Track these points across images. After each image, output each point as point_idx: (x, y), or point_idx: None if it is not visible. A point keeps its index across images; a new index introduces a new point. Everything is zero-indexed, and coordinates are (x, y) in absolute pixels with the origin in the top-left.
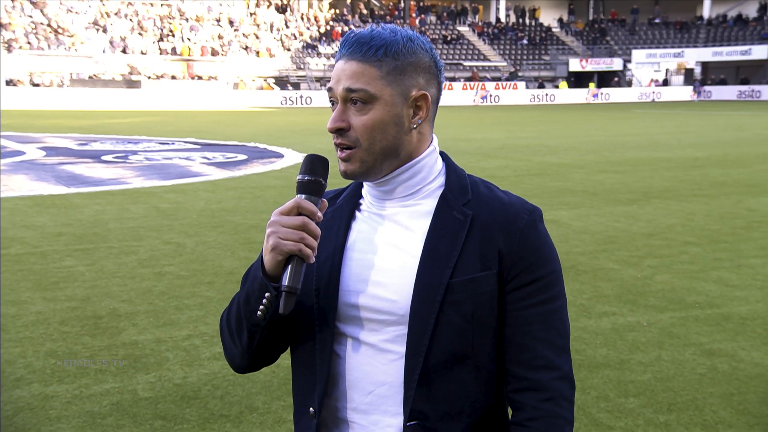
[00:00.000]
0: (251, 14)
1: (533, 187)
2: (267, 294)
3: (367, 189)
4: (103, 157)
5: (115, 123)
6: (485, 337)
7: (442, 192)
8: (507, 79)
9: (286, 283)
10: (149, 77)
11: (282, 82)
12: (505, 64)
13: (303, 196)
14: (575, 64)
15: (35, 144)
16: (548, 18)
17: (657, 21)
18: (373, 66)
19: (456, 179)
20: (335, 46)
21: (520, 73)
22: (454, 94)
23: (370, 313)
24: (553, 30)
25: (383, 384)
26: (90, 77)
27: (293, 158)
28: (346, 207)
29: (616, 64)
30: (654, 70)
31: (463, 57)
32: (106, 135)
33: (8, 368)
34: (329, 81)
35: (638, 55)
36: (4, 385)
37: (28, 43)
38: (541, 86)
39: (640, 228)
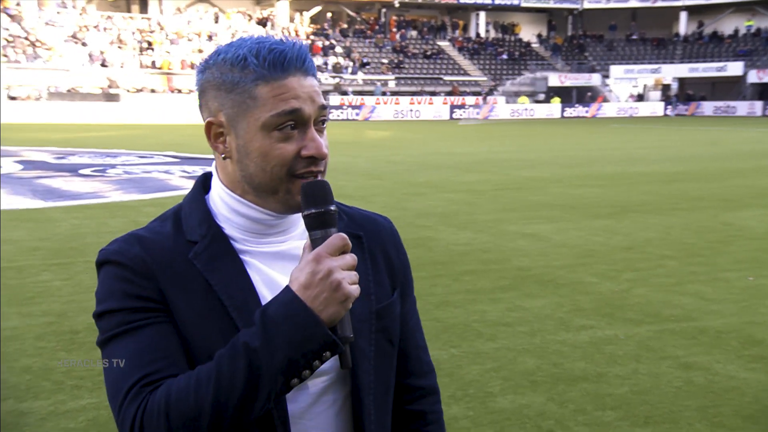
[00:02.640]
0: (231, 29)
1: (512, 201)
2: (327, 353)
3: (243, 224)
4: (81, 171)
5: (93, 136)
6: (395, 358)
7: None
8: (487, 94)
9: (347, 334)
10: (128, 90)
11: None
12: (485, 78)
13: (331, 230)
14: (554, 80)
15: (12, 158)
16: (528, 34)
17: (634, 37)
18: (316, 80)
19: None
20: (316, 60)
21: (499, 88)
22: (434, 108)
23: None
24: (533, 45)
25: None
26: (68, 90)
27: None
28: (220, 247)
29: (595, 79)
30: (632, 86)
31: (443, 72)
32: (84, 148)
33: None
34: (289, 101)
35: (616, 70)
36: None
37: (5, 56)
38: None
39: (618, 242)
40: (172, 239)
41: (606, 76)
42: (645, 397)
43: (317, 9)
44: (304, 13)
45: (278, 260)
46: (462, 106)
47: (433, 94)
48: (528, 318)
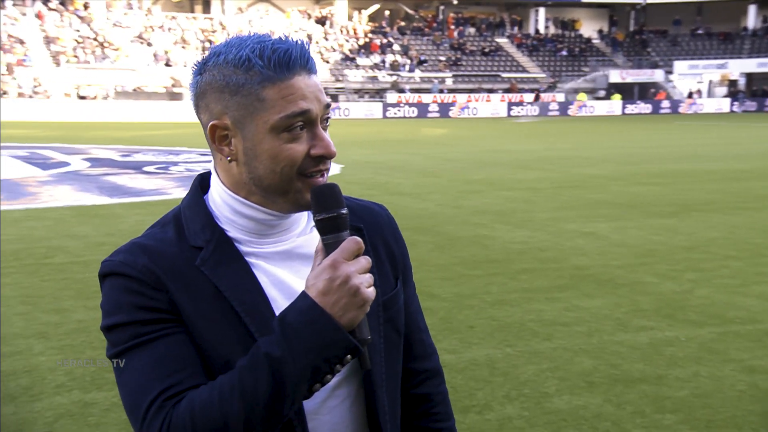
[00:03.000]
0: (291, 27)
1: (571, 199)
2: (347, 357)
3: (247, 226)
4: (145, 168)
5: (157, 134)
6: (402, 347)
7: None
8: (545, 91)
9: (365, 336)
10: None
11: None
12: (543, 75)
13: (345, 233)
14: (615, 76)
15: (80, 155)
16: (588, 29)
17: (700, 32)
18: (317, 77)
19: None
20: (374, 58)
21: (558, 85)
22: (492, 105)
23: None
24: (593, 41)
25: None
26: (134, 90)
27: (333, 169)
28: (225, 251)
29: (657, 75)
30: (697, 82)
31: (501, 69)
32: (149, 146)
33: (49, 375)
34: (297, 102)
35: (680, 66)
36: (45, 392)
37: (75, 56)
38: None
39: (680, 241)
40: (176, 245)
41: (669, 72)
42: (707, 401)
43: (376, 7)
44: (363, 11)
45: (284, 260)
46: (520, 103)
47: (490, 91)
48: (585, 318)
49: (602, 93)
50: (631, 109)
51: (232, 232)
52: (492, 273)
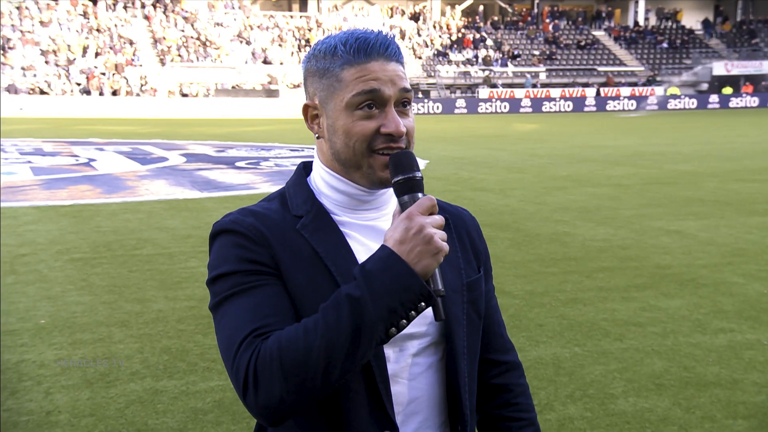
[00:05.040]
0: (385, 24)
1: (660, 196)
2: (422, 304)
3: (340, 199)
4: (237, 164)
5: (252, 131)
6: (481, 331)
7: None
8: (644, 84)
9: (439, 287)
10: (287, 86)
11: (413, 89)
12: (642, 69)
13: (420, 194)
14: (720, 68)
15: (178, 151)
16: (691, 20)
17: None
18: (403, 67)
19: None
20: (466, 53)
21: (658, 78)
22: (587, 100)
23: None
24: (696, 32)
25: (414, 400)
26: (233, 87)
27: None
28: (323, 220)
29: (766, 66)
30: None
31: (598, 62)
32: (243, 142)
33: (127, 363)
34: (369, 82)
35: None
36: (121, 378)
37: (179, 55)
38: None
39: None
40: (280, 213)
41: None
42: None
43: (469, 2)
44: (456, 6)
45: (374, 232)
46: (617, 98)
47: (585, 85)
48: (662, 318)
49: (705, 86)
50: (736, 102)
51: (328, 205)
52: (568, 271)
